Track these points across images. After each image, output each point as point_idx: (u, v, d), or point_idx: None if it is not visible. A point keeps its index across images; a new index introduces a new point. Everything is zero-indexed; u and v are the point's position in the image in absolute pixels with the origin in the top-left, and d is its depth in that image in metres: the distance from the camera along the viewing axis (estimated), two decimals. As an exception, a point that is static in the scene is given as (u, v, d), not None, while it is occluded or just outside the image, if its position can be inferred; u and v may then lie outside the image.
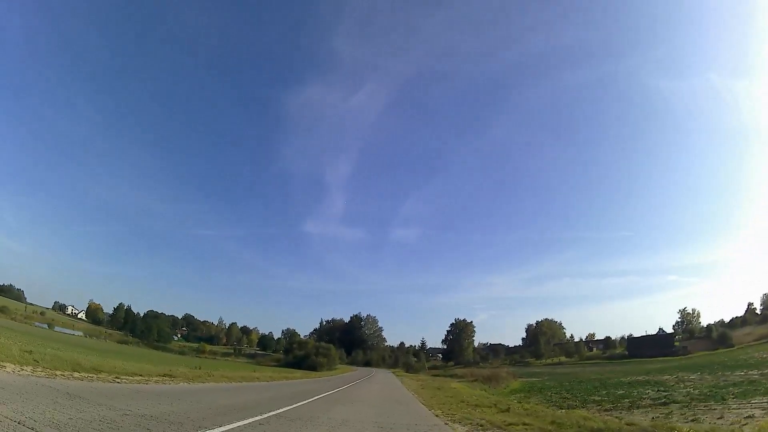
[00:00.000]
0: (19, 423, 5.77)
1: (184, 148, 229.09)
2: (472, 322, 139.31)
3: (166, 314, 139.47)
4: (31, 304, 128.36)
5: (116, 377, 13.96)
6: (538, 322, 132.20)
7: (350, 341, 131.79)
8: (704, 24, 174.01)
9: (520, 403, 21.39)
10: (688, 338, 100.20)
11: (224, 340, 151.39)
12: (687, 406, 17.88)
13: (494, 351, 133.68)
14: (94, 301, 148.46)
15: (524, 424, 11.07)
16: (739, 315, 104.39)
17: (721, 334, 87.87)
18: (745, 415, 14.55)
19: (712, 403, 18.50)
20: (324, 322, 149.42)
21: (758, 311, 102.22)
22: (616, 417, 15.26)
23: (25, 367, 11.56)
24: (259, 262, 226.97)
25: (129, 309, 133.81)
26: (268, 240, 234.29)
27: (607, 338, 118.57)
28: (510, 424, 11.04)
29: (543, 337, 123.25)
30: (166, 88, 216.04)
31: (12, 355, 12.76)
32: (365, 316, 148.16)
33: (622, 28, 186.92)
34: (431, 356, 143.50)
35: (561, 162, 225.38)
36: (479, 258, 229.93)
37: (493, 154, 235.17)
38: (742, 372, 34.03)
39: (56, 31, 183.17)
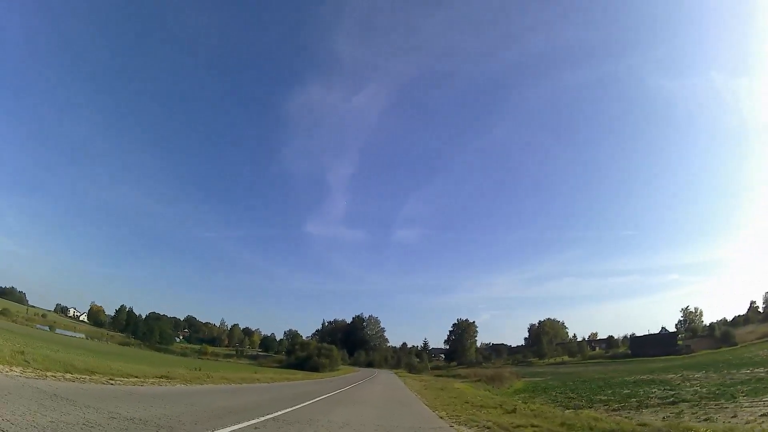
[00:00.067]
0: (-7, 427, 5.37)
1: (185, 149, 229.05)
2: (474, 322, 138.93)
3: (168, 316, 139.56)
4: (32, 306, 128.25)
5: (110, 379, 13.55)
6: (540, 322, 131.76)
7: (352, 342, 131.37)
8: (705, 23, 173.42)
9: (525, 403, 20.90)
10: (691, 337, 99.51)
11: (226, 342, 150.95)
12: (697, 405, 17.38)
13: (497, 351, 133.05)
14: (96, 303, 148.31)
15: (533, 426, 10.65)
16: (741, 313, 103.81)
17: (724, 333, 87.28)
18: (760, 414, 14.09)
19: (723, 401, 18.01)
20: (326, 323, 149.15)
21: (761, 309, 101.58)
22: (626, 417, 14.84)
23: (14, 368, 11.17)
24: (260, 263, 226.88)
25: (131, 311, 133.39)
26: (270, 241, 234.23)
27: (610, 337, 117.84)
28: (518, 426, 10.62)
29: (545, 336, 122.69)
30: (167, 88, 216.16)
31: (2, 356, 12.37)
32: (367, 316, 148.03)
33: (622, 27, 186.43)
34: (434, 356, 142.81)
35: (562, 161, 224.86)
36: (481, 258, 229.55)
37: (494, 154, 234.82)
38: (748, 370, 33.54)
39: (56, 31, 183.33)
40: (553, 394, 31.32)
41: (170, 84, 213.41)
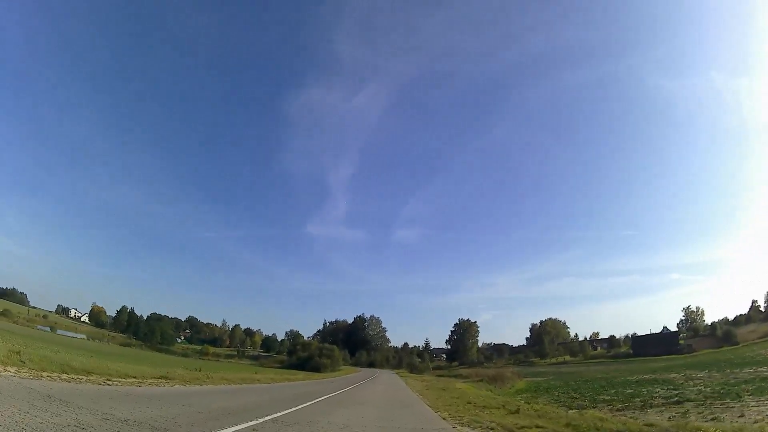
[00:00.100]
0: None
1: (185, 149, 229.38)
2: (475, 322, 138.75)
3: (170, 317, 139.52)
4: (34, 307, 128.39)
5: (107, 379, 13.36)
6: (542, 322, 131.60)
7: (354, 342, 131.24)
8: (705, 23, 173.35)
9: (528, 403, 20.67)
10: (693, 336, 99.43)
11: (227, 342, 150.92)
12: (702, 405, 17.16)
13: (498, 351, 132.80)
14: (97, 304, 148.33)
15: (537, 426, 10.42)
16: (742, 313, 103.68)
17: (725, 332, 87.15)
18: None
19: (728, 400, 17.79)
20: (327, 324, 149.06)
21: (762, 308, 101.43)
22: (631, 417, 14.61)
23: (9, 368, 10.98)
24: (261, 263, 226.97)
25: (132, 312, 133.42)
26: (270, 241, 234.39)
27: (612, 337, 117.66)
28: (522, 427, 10.39)
29: (547, 336, 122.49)
30: (167, 88, 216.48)
31: (-3, 357, 12.19)
32: (369, 316, 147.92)
33: (622, 27, 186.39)
34: (435, 357, 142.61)
35: (562, 161, 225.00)
36: (481, 258, 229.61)
37: (494, 153, 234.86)
38: (752, 369, 33.34)
39: (56, 32, 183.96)
40: (556, 394, 31.11)
41: (170, 84, 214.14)
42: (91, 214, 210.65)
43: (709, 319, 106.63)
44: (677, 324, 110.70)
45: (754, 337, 77.62)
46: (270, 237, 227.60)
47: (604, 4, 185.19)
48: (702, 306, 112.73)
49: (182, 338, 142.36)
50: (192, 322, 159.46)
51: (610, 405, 20.14)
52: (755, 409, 15.17)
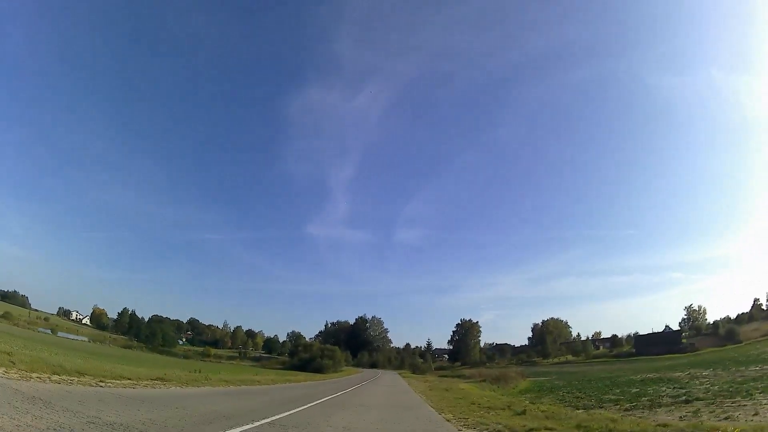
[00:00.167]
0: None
1: (186, 151, 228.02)
2: (477, 322, 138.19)
3: (171, 319, 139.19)
4: (35, 310, 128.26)
5: (100, 381, 12.96)
6: (544, 321, 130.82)
7: (356, 343, 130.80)
8: (705, 20, 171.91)
9: (533, 404, 20.22)
10: (695, 335, 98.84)
11: (229, 344, 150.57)
12: (713, 403, 16.67)
13: (501, 351, 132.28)
14: (99, 306, 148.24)
15: (547, 428, 9.97)
16: (745, 311, 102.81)
17: (728, 330, 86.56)
18: (783, 412, 13.44)
19: (739, 399, 17.30)
20: (329, 324, 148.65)
21: (764, 307, 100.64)
22: (640, 417, 14.17)
23: (-3, 370, 10.61)
24: (262, 264, 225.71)
25: (133, 314, 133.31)
26: (271, 242, 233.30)
27: (614, 336, 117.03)
28: (531, 429, 9.94)
29: (549, 336, 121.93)
30: (166, 89, 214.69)
31: (-14, 358, 11.82)
32: (370, 317, 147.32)
33: (622, 26, 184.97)
34: (437, 357, 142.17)
35: (563, 161, 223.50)
36: (483, 258, 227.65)
37: (495, 153, 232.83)
38: (757, 367, 32.94)
39: (56, 33, 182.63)
40: (560, 393, 30.68)
41: (170, 85, 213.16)
42: (92, 216, 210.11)
43: (711, 318, 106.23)
44: (679, 323, 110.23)
45: (757, 336, 77.08)
46: (271, 238, 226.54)
47: (604, 2, 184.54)
48: (704, 304, 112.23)
49: (184, 340, 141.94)
50: (193, 323, 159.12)
51: (617, 405, 19.66)
52: (768, 407, 14.74)
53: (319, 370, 72.88)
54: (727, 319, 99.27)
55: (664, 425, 10.44)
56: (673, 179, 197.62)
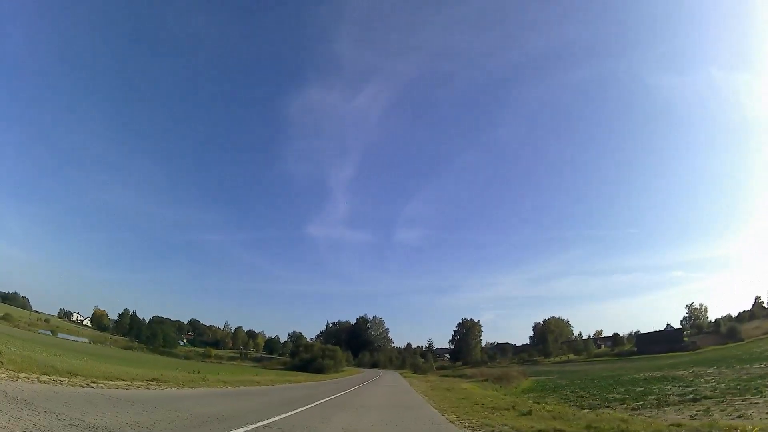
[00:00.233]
0: None
1: (186, 151, 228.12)
2: (478, 321, 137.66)
3: (172, 319, 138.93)
4: (36, 311, 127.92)
5: (92, 381, 12.54)
6: (545, 321, 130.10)
7: (357, 343, 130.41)
8: (704, 19, 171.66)
9: (537, 403, 19.81)
10: (697, 333, 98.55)
11: (230, 345, 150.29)
12: (722, 402, 16.27)
13: (502, 350, 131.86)
14: (99, 307, 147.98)
15: (555, 429, 9.55)
16: (746, 309, 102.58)
17: (730, 329, 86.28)
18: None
19: (749, 396, 16.88)
20: (330, 325, 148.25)
21: (766, 305, 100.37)
22: (650, 416, 13.75)
23: (-18, 370, 10.22)
24: (263, 265, 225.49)
25: (134, 315, 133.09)
26: (272, 243, 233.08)
27: (615, 335, 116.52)
28: (539, 431, 9.54)
29: (551, 335, 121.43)
30: (166, 89, 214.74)
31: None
32: (371, 317, 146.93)
33: (622, 25, 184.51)
34: (438, 356, 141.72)
35: (563, 160, 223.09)
36: (483, 258, 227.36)
37: (495, 153, 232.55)
38: (762, 365, 32.61)
39: (56, 33, 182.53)
40: (564, 393, 30.29)
41: (170, 85, 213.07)
42: (92, 216, 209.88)
43: (712, 316, 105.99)
44: (681, 321, 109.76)
45: (758, 333, 76.83)
46: (271, 238, 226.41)
47: (604, 2, 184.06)
48: (705, 303, 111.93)
49: (185, 341, 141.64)
50: (194, 324, 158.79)
51: (623, 404, 19.23)
52: (781, 405, 14.33)
53: (320, 370, 72.51)
54: (729, 317, 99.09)
55: (678, 425, 10.03)
56: (673, 179, 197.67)
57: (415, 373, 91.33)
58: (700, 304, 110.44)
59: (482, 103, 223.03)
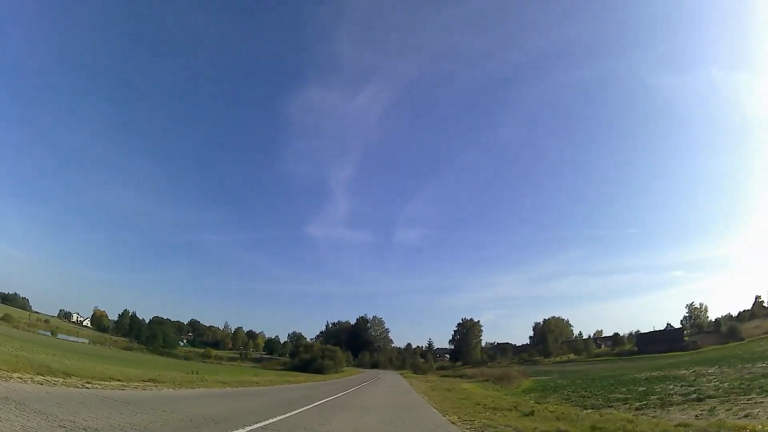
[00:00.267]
0: None
1: (186, 152, 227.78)
2: (478, 321, 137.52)
3: (172, 320, 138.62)
4: (36, 312, 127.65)
5: (87, 382, 12.33)
6: (545, 321, 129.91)
7: (357, 343, 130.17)
8: (704, 18, 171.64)
9: (539, 403, 19.59)
10: (697, 333, 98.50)
11: (230, 345, 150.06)
12: (727, 401, 16.04)
13: (502, 350, 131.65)
14: (99, 308, 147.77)
15: (559, 431, 9.35)
16: (746, 308, 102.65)
17: (730, 328, 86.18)
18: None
19: (754, 396, 16.65)
20: (330, 325, 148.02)
21: (766, 304, 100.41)
22: (653, 416, 13.55)
23: (-26, 370, 10.01)
24: (263, 265, 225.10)
25: (134, 315, 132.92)
26: (272, 243, 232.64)
27: (615, 335, 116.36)
28: (543, 432, 9.34)
29: (551, 335, 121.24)
30: (166, 89, 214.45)
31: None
32: (371, 317, 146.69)
33: (622, 25, 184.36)
34: (438, 357, 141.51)
35: (563, 160, 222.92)
36: (483, 258, 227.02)
37: (495, 153, 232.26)
38: (765, 364, 32.34)
39: (56, 33, 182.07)
40: (565, 393, 30.08)
41: (170, 85, 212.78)
42: (92, 217, 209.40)
43: (712, 316, 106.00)
44: (681, 321, 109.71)
45: (759, 333, 76.77)
46: (271, 239, 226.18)
47: (604, 2, 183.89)
48: (705, 303, 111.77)
49: (185, 341, 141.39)
50: (194, 325, 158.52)
51: (626, 404, 19.01)
52: (788, 404, 14.12)
53: (320, 370, 72.30)
54: (729, 317, 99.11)
55: (684, 425, 9.82)
56: (673, 179, 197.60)
57: (415, 373, 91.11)
58: (700, 304, 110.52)
59: (482, 103, 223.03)
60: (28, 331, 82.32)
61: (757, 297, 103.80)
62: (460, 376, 66.71)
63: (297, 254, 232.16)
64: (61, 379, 11.85)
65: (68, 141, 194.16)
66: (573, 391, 30.43)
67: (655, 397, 20.87)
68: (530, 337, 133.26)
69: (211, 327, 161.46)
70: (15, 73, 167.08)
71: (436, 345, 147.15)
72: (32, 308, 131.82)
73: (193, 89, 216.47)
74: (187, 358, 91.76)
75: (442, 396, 24.97)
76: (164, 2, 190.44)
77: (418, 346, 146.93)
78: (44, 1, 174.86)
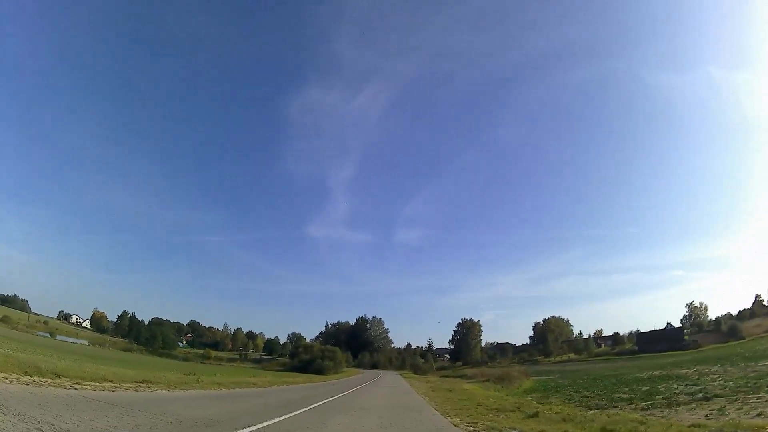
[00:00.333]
0: None
1: (185, 152, 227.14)
2: (479, 321, 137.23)
3: (171, 321, 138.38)
4: (35, 313, 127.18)
5: (76, 383, 11.91)
6: (545, 320, 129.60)
7: (356, 344, 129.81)
8: (704, 18, 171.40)
9: (541, 404, 19.19)
10: (697, 332, 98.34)
11: (230, 346, 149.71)
12: (736, 400, 15.62)
13: (502, 350, 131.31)
14: (99, 309, 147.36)
15: (568, 432, 8.97)
16: (746, 307, 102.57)
17: (730, 327, 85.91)
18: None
19: (763, 394, 16.24)
20: (329, 325, 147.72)
21: (766, 303, 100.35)
22: (661, 416, 13.17)
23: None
24: (262, 265, 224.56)
25: (133, 317, 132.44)
26: (271, 243, 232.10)
27: (616, 334, 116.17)
28: (551, 434, 8.94)
29: (551, 334, 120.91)
30: (166, 90, 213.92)
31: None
32: (371, 318, 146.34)
33: (621, 24, 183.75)
34: (438, 357, 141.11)
35: (563, 160, 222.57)
36: (483, 258, 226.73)
37: (495, 153, 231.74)
38: (768, 362, 32.02)
39: (55, 34, 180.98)
40: (567, 393, 29.70)
41: (169, 85, 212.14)
42: (92, 217, 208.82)
43: (712, 315, 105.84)
44: (681, 320, 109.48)
45: (759, 332, 76.53)
46: (271, 239, 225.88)
47: (604, 2, 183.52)
48: (705, 302, 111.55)
49: (184, 342, 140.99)
50: (194, 326, 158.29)
51: (631, 404, 18.60)
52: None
53: (319, 371, 71.91)
54: (729, 316, 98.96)
55: (698, 425, 9.44)
56: (673, 178, 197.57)
57: (415, 373, 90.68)
58: (700, 303, 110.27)
59: (482, 103, 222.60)
60: (27, 332, 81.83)
61: (757, 296, 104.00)
62: (461, 377, 66.29)
63: (297, 254, 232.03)
64: (49, 380, 11.43)
65: (68, 141, 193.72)
66: (575, 391, 30.08)
67: (660, 396, 20.47)
68: (530, 337, 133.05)
69: (210, 328, 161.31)
70: (15, 73, 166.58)
71: (436, 345, 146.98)
72: (31, 310, 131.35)
73: (193, 89, 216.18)
74: (186, 359, 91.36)
75: (443, 397, 24.55)
76: (164, 2, 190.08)
77: (417, 347, 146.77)
78: (44, 1, 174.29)
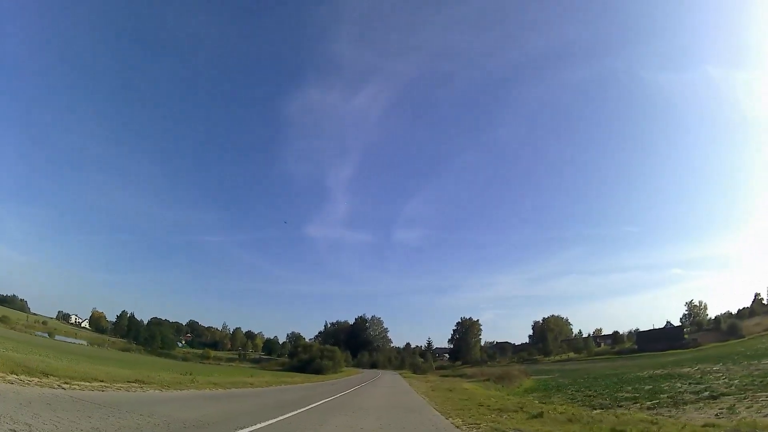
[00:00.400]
0: None
1: (185, 152, 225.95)
2: (478, 320, 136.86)
3: (170, 321, 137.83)
4: (34, 314, 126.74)
5: (65, 382, 11.48)
6: (544, 319, 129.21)
7: (356, 343, 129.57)
8: (702, 16, 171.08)
9: (543, 403, 18.82)
10: (696, 330, 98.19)
11: (229, 346, 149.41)
12: (745, 398, 15.27)
13: (501, 349, 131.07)
14: (98, 309, 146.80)
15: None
16: (746, 306, 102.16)
17: (730, 325, 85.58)
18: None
19: (772, 392, 16.00)
20: (329, 325, 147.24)
21: (765, 301, 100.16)
22: (669, 416, 12.81)
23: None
24: (262, 265, 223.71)
25: (132, 317, 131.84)
26: (271, 243, 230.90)
27: (615, 333, 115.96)
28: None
29: (551, 333, 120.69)
30: (165, 90, 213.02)
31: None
32: (370, 317, 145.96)
33: (621, 24, 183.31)
34: (438, 356, 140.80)
35: (563, 160, 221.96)
36: (483, 258, 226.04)
37: (495, 153, 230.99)
38: (771, 360, 31.76)
39: (55, 34, 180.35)
40: (569, 392, 29.40)
41: (170, 86, 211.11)
42: (92, 218, 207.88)
43: (712, 314, 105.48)
44: (680, 319, 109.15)
45: (759, 330, 76.34)
46: (270, 239, 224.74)
47: (604, 2, 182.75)
48: (705, 300, 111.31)
49: (183, 342, 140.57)
50: (193, 326, 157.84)
51: (635, 403, 18.25)
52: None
53: (318, 371, 71.56)
54: (729, 315, 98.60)
55: (712, 425, 9.07)
56: (673, 177, 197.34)
57: (414, 373, 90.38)
58: (699, 302, 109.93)
59: (482, 103, 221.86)
60: (26, 332, 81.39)
61: (757, 294, 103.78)
62: (460, 376, 66.01)
63: (297, 254, 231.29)
64: (36, 379, 11.02)
65: (68, 141, 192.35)
66: (577, 390, 29.80)
67: (665, 395, 20.14)
68: (529, 336, 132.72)
69: (209, 328, 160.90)
70: (15, 73, 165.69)
71: (435, 344, 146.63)
72: (30, 310, 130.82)
73: (193, 89, 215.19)
74: (185, 359, 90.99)
75: (444, 397, 24.15)
76: (164, 2, 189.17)
77: (417, 346, 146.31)
78: (44, 1, 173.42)
